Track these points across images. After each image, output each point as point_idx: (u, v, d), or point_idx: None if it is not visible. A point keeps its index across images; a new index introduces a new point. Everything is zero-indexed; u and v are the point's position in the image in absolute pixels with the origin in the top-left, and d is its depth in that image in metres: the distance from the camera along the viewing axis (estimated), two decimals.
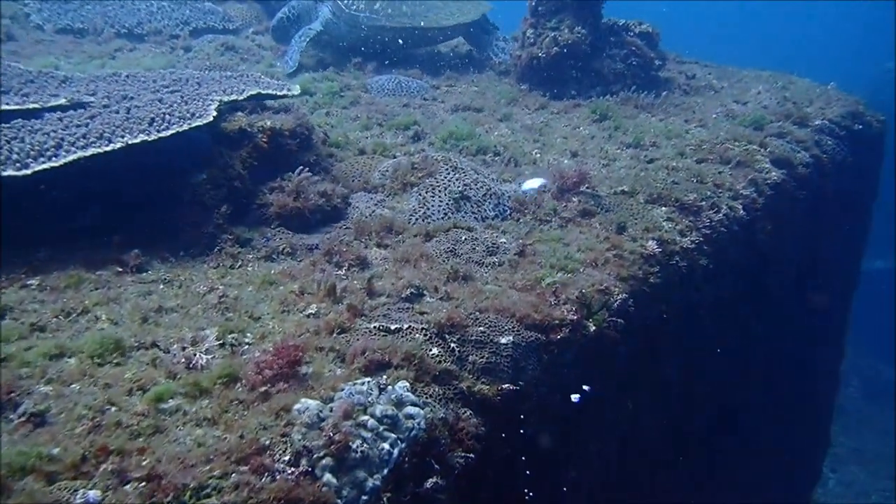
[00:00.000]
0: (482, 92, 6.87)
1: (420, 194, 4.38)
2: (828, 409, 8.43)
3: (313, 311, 3.25)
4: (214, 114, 3.88)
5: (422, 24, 7.66)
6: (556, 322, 3.41)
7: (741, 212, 4.98)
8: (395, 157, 5.05)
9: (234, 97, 4.23)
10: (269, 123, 4.23)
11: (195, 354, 2.81)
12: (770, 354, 6.28)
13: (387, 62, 7.67)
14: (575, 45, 6.60)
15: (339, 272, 3.59)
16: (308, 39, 7.41)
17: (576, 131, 6.00)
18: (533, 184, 4.63)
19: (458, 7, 8.02)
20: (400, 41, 7.77)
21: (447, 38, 8.34)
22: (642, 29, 7.05)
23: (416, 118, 5.68)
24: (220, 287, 3.37)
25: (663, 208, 4.69)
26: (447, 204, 4.31)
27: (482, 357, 3.16)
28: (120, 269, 3.38)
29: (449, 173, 4.51)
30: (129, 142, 3.47)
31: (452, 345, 3.15)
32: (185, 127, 3.69)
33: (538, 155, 5.38)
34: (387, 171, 4.67)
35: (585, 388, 3.46)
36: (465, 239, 4.01)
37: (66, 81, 4.83)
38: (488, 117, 6.18)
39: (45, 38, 7.10)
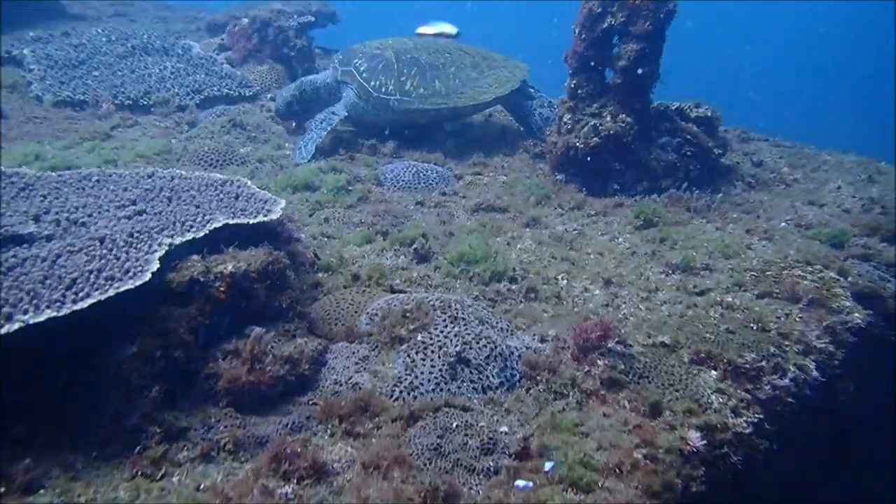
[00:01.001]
0: (511, 185, 6.04)
1: (408, 356, 3.59)
2: None
3: None
4: (154, 268, 3.20)
5: (458, 103, 6.88)
6: None
7: (814, 373, 4.00)
8: (392, 287, 4.30)
9: (191, 235, 3.55)
10: (229, 268, 3.51)
11: None
12: None
13: (408, 140, 6.91)
14: (618, 135, 5.70)
15: (286, 489, 2.83)
16: (330, 127, 6.69)
17: (614, 244, 5.12)
18: (430, 30, 3.98)
19: (495, 77, 7.23)
20: (432, 121, 7.03)
21: (484, 109, 7.57)
22: (700, 113, 6.10)
23: (426, 230, 4.88)
24: None
25: (713, 372, 3.78)
26: (440, 370, 3.51)
27: None
28: (2, 490, 2.69)
29: (446, 326, 3.71)
30: (31, 321, 2.81)
31: None
32: (111, 293, 3.02)
33: (564, 282, 4.53)
34: (375, 315, 3.90)
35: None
36: (457, 426, 3.20)
37: (25, 189, 4.31)
38: (512, 222, 5.35)
39: (40, 113, 6.63)
